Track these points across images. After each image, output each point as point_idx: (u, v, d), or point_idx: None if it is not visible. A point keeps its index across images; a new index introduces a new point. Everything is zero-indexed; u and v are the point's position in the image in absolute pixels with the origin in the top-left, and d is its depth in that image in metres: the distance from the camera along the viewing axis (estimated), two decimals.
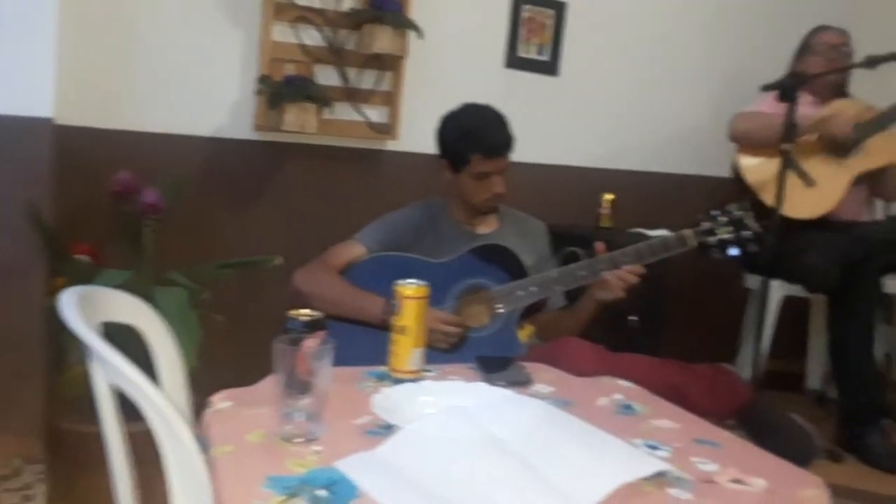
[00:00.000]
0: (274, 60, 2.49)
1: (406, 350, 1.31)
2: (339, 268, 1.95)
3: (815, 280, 2.23)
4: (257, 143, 2.56)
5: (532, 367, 1.44)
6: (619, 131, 3.03)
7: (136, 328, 1.17)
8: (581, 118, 2.95)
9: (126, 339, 1.12)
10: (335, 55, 2.58)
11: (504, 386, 1.28)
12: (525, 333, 2.06)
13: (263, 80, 2.45)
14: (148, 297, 1.29)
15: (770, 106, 2.51)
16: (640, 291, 2.48)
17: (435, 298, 1.86)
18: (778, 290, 2.52)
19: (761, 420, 1.78)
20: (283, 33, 2.51)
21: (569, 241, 2.54)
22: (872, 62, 2.28)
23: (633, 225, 2.77)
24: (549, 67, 2.86)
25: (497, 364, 1.41)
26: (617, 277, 1.75)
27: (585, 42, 2.90)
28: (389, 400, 1.10)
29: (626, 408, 1.25)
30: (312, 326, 1.08)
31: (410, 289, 1.33)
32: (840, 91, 2.64)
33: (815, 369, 2.84)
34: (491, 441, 0.96)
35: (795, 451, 1.82)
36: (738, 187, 2.58)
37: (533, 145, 2.80)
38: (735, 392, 1.78)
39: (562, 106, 2.91)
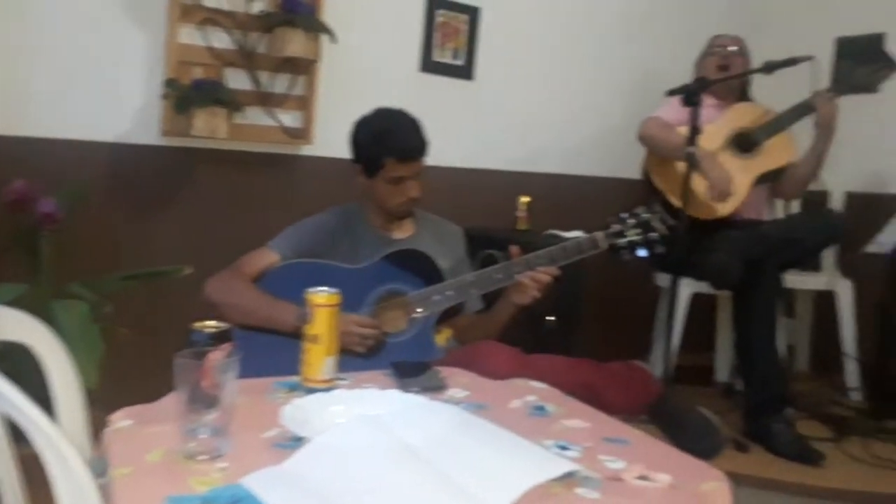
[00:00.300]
0: (181, 63, 2.42)
1: (318, 359, 1.29)
2: (252, 276, 1.91)
3: (720, 277, 2.32)
4: (165, 149, 2.47)
5: (447, 372, 1.44)
6: (534, 134, 3.07)
7: (29, 347, 1.10)
8: (496, 122, 2.98)
9: (21, 359, 1.07)
10: (246, 58, 2.52)
11: (418, 392, 1.27)
12: (443, 337, 2.07)
13: (170, 83, 2.38)
14: (45, 311, 1.23)
15: (675, 110, 2.60)
16: (557, 292, 2.53)
17: (351, 304, 1.86)
18: (687, 288, 2.61)
19: (670, 414, 1.83)
20: (190, 35, 2.44)
21: (486, 245, 2.57)
22: (770, 67, 2.39)
23: (549, 227, 2.80)
24: (464, 72, 2.88)
25: (412, 370, 1.41)
26: (531, 280, 1.77)
27: (500, 46, 2.93)
28: (299, 411, 1.08)
29: (539, 409, 1.27)
30: (218, 338, 1.05)
31: (322, 296, 1.31)
32: (741, 94, 2.76)
33: (723, 363, 2.96)
34: (403, 449, 0.95)
35: (703, 443, 1.90)
36: (647, 189, 2.66)
37: (449, 149, 2.81)
38: (646, 388, 1.83)
39: (477, 110, 2.94)
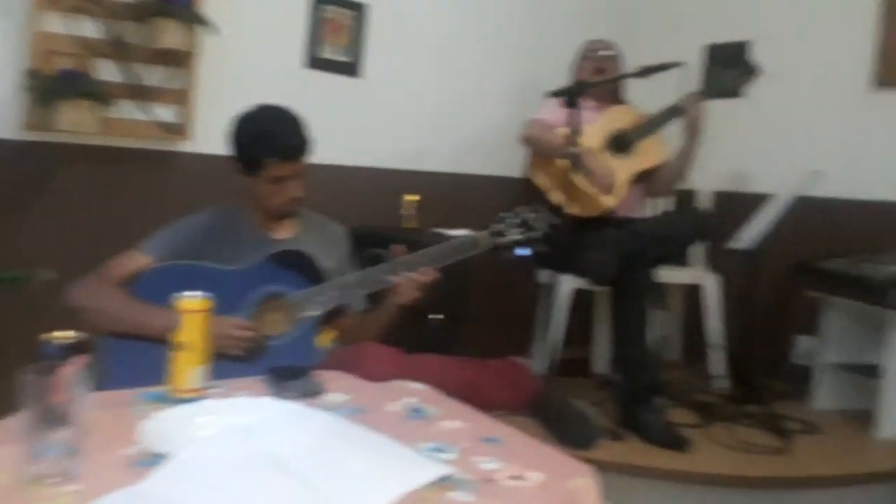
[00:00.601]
0: (45, 53, 2.26)
1: (186, 368, 1.25)
2: (121, 280, 1.81)
3: (598, 274, 2.40)
4: (27, 144, 2.31)
5: (326, 376, 1.43)
6: (421, 133, 3.08)
7: None
8: (384, 120, 2.97)
9: None
10: (118, 49, 2.39)
11: (294, 397, 1.25)
12: (326, 339, 2.04)
13: (32, 74, 2.22)
14: None
15: (555, 111, 2.68)
16: (442, 291, 2.56)
17: (230, 307, 1.81)
18: (567, 284, 2.69)
19: (549, 409, 1.89)
20: (56, 24, 2.28)
21: (373, 243, 2.55)
22: (644, 72, 2.50)
23: (437, 225, 2.83)
24: (350, 69, 2.85)
25: (289, 375, 1.39)
26: (410, 280, 1.78)
27: (387, 44, 2.92)
28: (161, 425, 1.04)
29: (417, 411, 1.28)
30: (72, 350, 0.99)
31: (190, 302, 1.26)
32: (616, 97, 2.87)
33: (601, 355, 3.07)
34: (271, 461, 0.93)
35: (580, 435, 1.98)
36: (529, 188, 2.73)
37: (336, 147, 2.78)
38: (526, 384, 1.88)
39: (364, 107, 2.91)
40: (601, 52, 2.78)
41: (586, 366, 3.15)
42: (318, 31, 2.74)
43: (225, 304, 1.80)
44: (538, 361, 2.67)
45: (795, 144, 3.13)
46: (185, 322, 1.25)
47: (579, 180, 2.62)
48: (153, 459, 0.96)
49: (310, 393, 1.32)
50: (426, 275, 1.80)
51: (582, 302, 3.01)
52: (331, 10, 2.76)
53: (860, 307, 2.48)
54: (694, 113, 2.58)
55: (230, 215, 1.97)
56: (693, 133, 2.60)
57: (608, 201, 2.61)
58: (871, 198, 2.90)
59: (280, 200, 1.90)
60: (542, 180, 2.69)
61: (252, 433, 0.99)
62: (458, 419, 1.24)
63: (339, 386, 1.37)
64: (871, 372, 2.54)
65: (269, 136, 1.86)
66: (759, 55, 3.04)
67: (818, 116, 3.09)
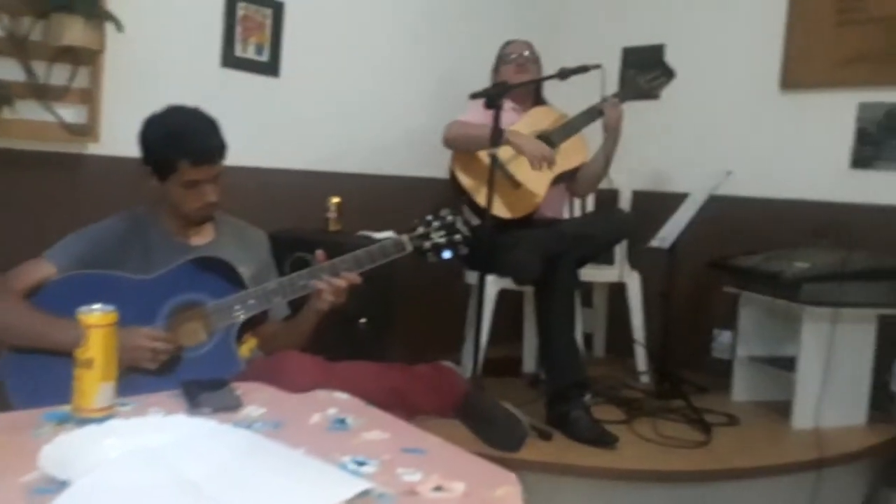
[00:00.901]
0: None
1: (93, 385, 1.18)
2: (23, 290, 1.71)
3: (520, 273, 2.42)
4: None
5: (244, 388, 1.37)
6: (343, 133, 3.02)
7: None
8: (304, 120, 2.90)
9: None
10: (16, 46, 2.25)
11: (209, 413, 1.20)
12: (247, 348, 1.98)
13: None
14: None
15: (478, 113, 2.68)
16: (367, 294, 2.52)
17: (143, 318, 1.73)
18: (494, 285, 2.69)
19: (477, 412, 1.88)
20: None
21: (297, 247, 2.49)
22: (564, 74, 2.52)
23: (361, 228, 2.78)
24: (268, 68, 2.77)
25: (204, 388, 1.33)
26: (330, 286, 1.74)
27: (306, 43, 2.86)
28: (63, 449, 0.97)
29: (339, 422, 1.24)
30: None
31: (95, 315, 1.19)
32: (536, 98, 2.89)
33: (530, 354, 3.09)
34: (180, 485, 0.88)
35: (507, 437, 1.97)
36: (455, 189, 2.72)
37: (255, 148, 2.71)
38: (453, 388, 1.86)
39: (284, 108, 2.84)
40: (520, 54, 2.80)
41: (517, 365, 3.17)
42: (233, 29, 2.65)
43: (137, 315, 1.72)
44: (466, 362, 2.66)
45: (709, 145, 3.23)
46: (89, 337, 1.17)
47: (502, 182, 2.63)
48: (54, 487, 0.89)
49: (226, 407, 1.26)
50: (347, 279, 1.76)
51: (513, 301, 3.03)
52: (247, 8, 2.68)
53: (773, 302, 2.57)
54: (612, 114, 2.62)
55: (142, 221, 1.89)
56: (612, 134, 2.64)
57: (524, 208, 2.62)
58: (780, 196, 3.01)
59: (195, 206, 1.83)
60: (466, 181, 2.68)
61: (161, 455, 0.94)
62: (380, 429, 1.21)
63: (257, 398, 1.32)
64: (786, 364, 2.63)
65: (181, 138, 1.78)
66: (674, 58, 3.12)
67: (730, 118, 3.19)
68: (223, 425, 1.10)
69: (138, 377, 1.65)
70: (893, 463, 2.55)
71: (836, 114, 2.89)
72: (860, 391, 2.56)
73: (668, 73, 2.76)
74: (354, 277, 1.77)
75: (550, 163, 2.56)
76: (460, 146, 2.69)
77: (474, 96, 2.42)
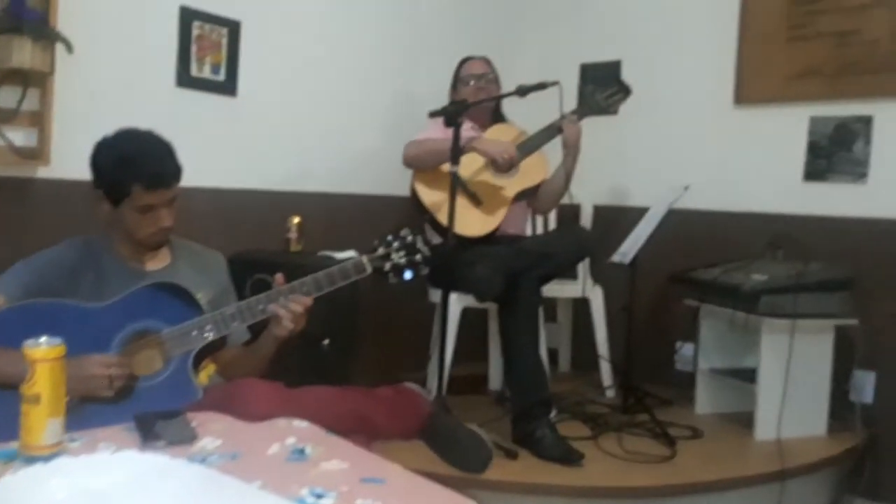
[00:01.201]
0: None
1: (40, 422, 1.13)
2: None
3: (482, 289, 2.40)
4: None
5: (201, 418, 1.34)
6: (302, 152, 3.00)
7: None
8: (263, 140, 2.87)
9: None
10: None
11: (163, 447, 1.16)
12: (206, 374, 1.94)
13: None
14: None
15: (438, 131, 2.68)
16: (330, 315, 2.49)
17: (97, 348, 1.68)
18: (458, 303, 2.68)
19: (440, 434, 1.86)
20: None
21: (258, 269, 2.45)
22: (522, 91, 2.52)
23: (323, 248, 2.76)
24: (225, 87, 2.74)
25: (158, 420, 1.29)
26: (287, 311, 1.71)
27: (263, 62, 2.83)
28: (7, 491, 0.93)
29: (298, 452, 1.21)
30: None
31: (41, 350, 1.15)
32: (497, 116, 2.90)
33: (496, 372, 3.08)
34: None
35: (472, 458, 1.96)
36: (417, 207, 2.71)
37: (213, 169, 2.67)
38: (416, 410, 1.84)
39: (242, 128, 2.80)
40: (479, 75, 2.80)
41: (483, 383, 3.16)
42: (189, 48, 2.62)
43: (90, 344, 1.67)
44: (432, 381, 2.64)
45: (667, 159, 3.28)
46: (35, 372, 1.13)
47: (464, 200, 2.62)
48: None
49: (180, 440, 1.23)
50: (299, 303, 1.73)
51: (477, 319, 3.02)
52: (202, 27, 2.64)
53: (733, 314, 2.60)
54: (571, 131, 2.63)
55: (94, 246, 1.84)
56: (571, 150, 2.66)
57: (486, 226, 2.62)
58: (737, 209, 3.06)
59: (149, 231, 1.79)
60: (428, 199, 2.67)
61: (108, 498, 0.90)
62: (339, 458, 1.18)
63: (214, 429, 1.29)
64: (748, 376, 2.66)
65: (133, 162, 1.74)
66: (631, 75, 3.17)
67: (687, 133, 3.24)
68: (176, 461, 1.06)
69: (92, 407, 1.61)
70: (855, 471, 2.60)
71: (788, 128, 2.95)
72: (820, 401, 2.60)
73: (626, 90, 2.79)
74: (306, 301, 1.73)
75: (515, 161, 2.57)
76: (422, 163, 2.68)
77: (433, 114, 2.42)
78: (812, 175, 2.90)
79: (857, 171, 2.79)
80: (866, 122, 2.77)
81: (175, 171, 1.79)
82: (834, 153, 2.85)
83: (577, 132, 2.64)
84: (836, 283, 2.57)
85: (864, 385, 2.72)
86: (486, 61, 2.86)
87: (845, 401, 2.70)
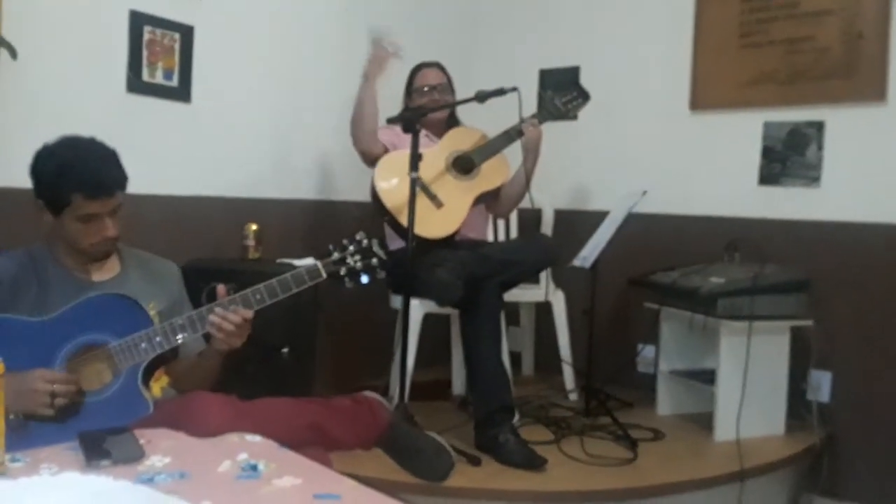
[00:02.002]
0: None
1: None
2: None
3: (442, 294, 2.38)
4: None
5: (149, 435, 1.29)
6: (258, 159, 2.94)
7: None
8: (218, 146, 2.81)
9: None
10: None
11: (107, 466, 1.12)
12: (159, 386, 1.88)
13: None
14: None
15: (389, 134, 2.67)
16: (289, 323, 2.45)
17: (39, 363, 1.61)
18: (419, 308, 2.66)
19: (400, 444, 1.84)
20: None
21: (215, 277, 2.38)
22: (481, 97, 2.52)
23: (282, 255, 2.71)
24: (179, 93, 2.67)
25: (103, 439, 1.24)
26: (222, 322, 1.67)
27: (217, 68, 2.77)
28: None
29: (251, 468, 1.18)
30: None
31: None
32: (452, 122, 2.87)
33: (459, 377, 3.06)
34: None
35: (433, 467, 1.93)
36: (378, 210, 2.68)
37: (166, 176, 2.61)
38: (375, 419, 1.81)
39: (196, 133, 2.74)
40: (432, 86, 2.78)
41: (447, 388, 3.14)
42: (140, 53, 2.55)
43: (33, 359, 1.61)
44: (395, 388, 2.61)
45: (625, 164, 3.30)
46: None
47: (425, 203, 2.60)
48: None
49: (127, 459, 1.18)
50: (235, 315, 1.68)
51: (440, 324, 3.00)
52: (154, 32, 2.58)
53: (692, 317, 2.62)
54: (531, 135, 2.64)
55: (37, 257, 1.78)
56: (531, 154, 2.66)
57: (446, 228, 2.61)
58: (694, 213, 3.09)
59: (92, 241, 1.73)
60: (389, 202, 2.64)
61: None
62: (293, 475, 1.15)
63: (162, 446, 1.25)
64: (707, 377, 2.68)
65: (73, 170, 1.67)
66: (589, 80, 3.18)
67: (644, 138, 3.27)
68: (119, 483, 1.02)
69: (36, 426, 1.55)
70: (814, 469, 2.63)
71: (743, 133, 2.99)
72: (778, 401, 2.64)
73: (584, 95, 2.80)
74: (245, 314, 1.69)
75: (382, 56, 2.63)
76: (362, 129, 2.66)
77: (391, 121, 2.40)
78: (767, 179, 2.95)
79: (811, 175, 2.84)
80: (818, 127, 2.82)
81: (118, 179, 1.73)
82: (788, 158, 2.89)
83: (538, 135, 2.64)
84: (792, 285, 2.61)
85: (821, 384, 2.77)
86: (440, 69, 2.84)
87: (802, 400, 2.74)
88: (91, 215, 1.69)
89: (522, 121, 2.64)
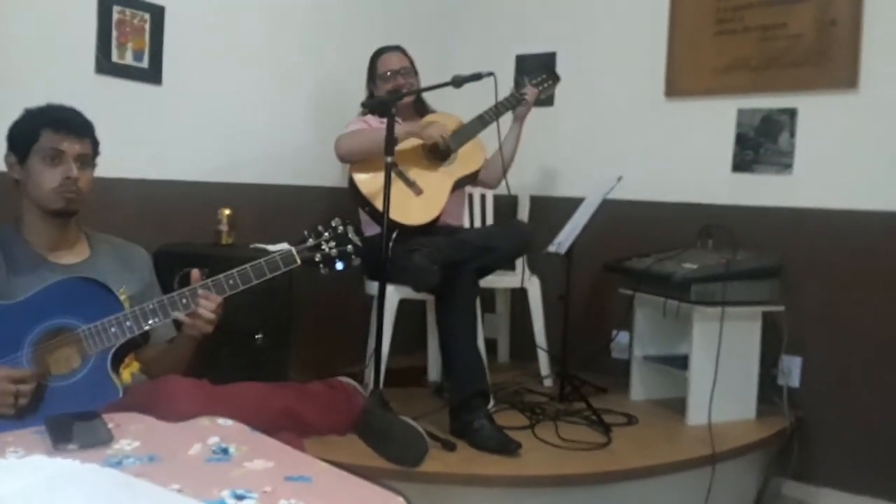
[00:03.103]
0: None
1: None
2: None
3: (418, 279, 2.38)
4: None
5: (118, 419, 1.27)
6: (232, 143, 2.90)
7: None
8: (191, 129, 2.76)
9: None
10: None
11: (75, 450, 1.10)
12: (129, 372, 1.86)
13: None
14: None
15: (362, 124, 2.65)
16: (264, 308, 2.43)
17: (6, 348, 1.59)
18: (395, 294, 2.64)
19: (375, 428, 1.83)
20: None
21: (187, 262, 2.35)
22: (458, 82, 2.50)
23: (255, 240, 2.67)
24: (149, 75, 2.62)
25: (71, 423, 1.22)
26: (197, 308, 1.66)
27: (189, 49, 2.72)
28: None
29: (222, 452, 1.16)
30: None
31: None
32: (419, 107, 2.85)
33: (434, 363, 3.06)
34: None
35: (409, 451, 1.93)
36: (355, 197, 2.66)
37: (137, 159, 2.56)
38: (349, 405, 1.80)
39: (167, 117, 2.69)
40: (395, 71, 2.75)
41: (422, 374, 3.14)
42: (109, 33, 2.49)
43: (1, 343, 1.58)
44: (370, 374, 2.60)
45: (601, 150, 3.31)
46: None
47: (403, 189, 2.59)
48: None
49: (95, 443, 1.16)
50: (210, 300, 1.67)
51: (415, 311, 2.99)
52: (123, 12, 2.52)
53: (666, 303, 2.64)
54: (530, 99, 2.73)
55: (4, 240, 1.74)
56: (520, 122, 2.76)
57: (427, 215, 2.60)
58: (668, 199, 3.10)
59: (54, 185, 1.69)
60: (366, 189, 2.63)
61: None
62: (264, 458, 1.14)
63: (131, 430, 1.23)
64: (680, 363, 2.71)
65: (43, 110, 1.74)
66: (566, 67, 3.19)
67: (620, 124, 3.28)
68: (87, 465, 1.00)
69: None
70: (783, 453, 2.67)
71: (717, 120, 3.01)
72: (749, 386, 2.67)
73: (554, 77, 2.85)
74: (216, 299, 1.68)
75: (444, 134, 2.62)
76: (359, 155, 2.63)
77: (364, 105, 2.38)
78: (740, 166, 2.97)
79: (783, 161, 2.86)
80: (791, 114, 2.84)
81: (87, 124, 1.77)
82: (761, 145, 2.92)
83: (534, 99, 2.74)
84: (764, 272, 2.63)
85: (792, 369, 2.80)
86: (402, 52, 2.81)
87: (773, 385, 2.78)
88: (57, 151, 1.69)
89: (520, 92, 2.73)
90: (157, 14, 2.61)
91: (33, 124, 1.71)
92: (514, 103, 2.72)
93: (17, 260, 1.72)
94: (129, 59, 2.56)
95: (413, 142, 2.66)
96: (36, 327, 1.64)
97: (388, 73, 2.75)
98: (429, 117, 2.78)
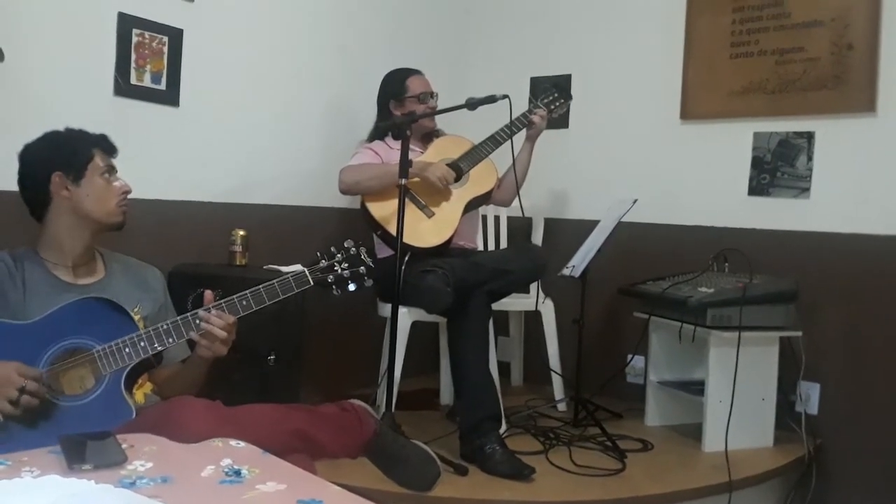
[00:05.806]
0: None
1: None
2: None
3: (432, 302, 2.37)
4: None
5: (132, 439, 1.27)
6: (247, 164, 2.92)
7: None
8: (207, 150, 2.78)
9: None
10: None
11: (89, 470, 1.09)
12: (143, 392, 1.86)
13: None
14: None
15: (369, 155, 2.66)
16: (277, 330, 2.43)
17: None
18: (407, 316, 2.63)
19: (386, 452, 1.81)
20: None
21: (201, 282, 2.36)
22: (472, 104, 2.51)
23: (269, 261, 2.68)
24: (167, 97, 2.65)
25: (85, 443, 1.21)
26: (210, 328, 1.65)
27: (206, 72, 2.75)
28: None
29: (234, 474, 1.15)
30: None
31: None
32: (433, 132, 2.86)
33: (447, 386, 3.04)
34: None
35: (419, 477, 1.90)
36: (368, 222, 2.66)
37: (154, 180, 2.57)
38: (361, 427, 1.78)
39: (184, 138, 2.72)
40: (429, 93, 2.78)
41: (434, 397, 3.12)
42: (128, 56, 2.52)
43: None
44: (383, 397, 2.59)
45: (616, 173, 3.30)
46: None
47: (415, 212, 2.59)
48: None
49: (109, 463, 1.16)
50: (223, 320, 1.66)
51: (428, 333, 2.98)
52: (142, 35, 2.56)
53: (681, 327, 2.61)
54: (540, 124, 2.73)
55: (21, 260, 1.75)
56: (534, 138, 2.76)
57: (439, 237, 2.60)
58: (684, 222, 3.09)
59: (117, 199, 1.79)
60: (378, 213, 2.63)
61: None
62: (276, 480, 1.13)
63: (145, 451, 1.22)
64: (696, 388, 2.67)
65: (83, 132, 1.80)
66: (581, 89, 3.20)
67: (635, 147, 3.27)
68: (101, 486, 1.00)
69: (16, 429, 1.52)
70: (802, 481, 2.63)
71: (733, 143, 3.00)
72: (767, 412, 2.63)
73: (566, 96, 2.87)
74: (229, 318, 1.68)
75: (449, 180, 2.61)
76: (362, 189, 2.66)
77: (383, 128, 2.39)
78: (756, 190, 2.95)
79: (800, 185, 2.84)
80: (808, 137, 2.83)
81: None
82: (777, 168, 2.90)
83: (544, 121, 2.74)
84: (781, 296, 2.60)
85: (810, 396, 2.77)
86: (424, 78, 2.84)
87: (791, 412, 2.74)
88: (113, 167, 1.80)
89: (530, 111, 2.73)
90: (176, 37, 2.64)
91: (85, 144, 1.77)
92: (525, 123, 2.73)
93: (33, 281, 1.73)
94: (147, 82, 2.59)
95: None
96: (51, 347, 1.64)
97: (422, 95, 2.77)
98: (436, 141, 2.80)
